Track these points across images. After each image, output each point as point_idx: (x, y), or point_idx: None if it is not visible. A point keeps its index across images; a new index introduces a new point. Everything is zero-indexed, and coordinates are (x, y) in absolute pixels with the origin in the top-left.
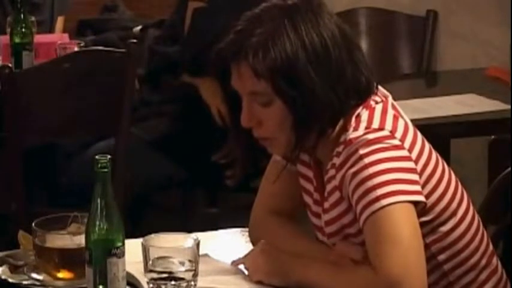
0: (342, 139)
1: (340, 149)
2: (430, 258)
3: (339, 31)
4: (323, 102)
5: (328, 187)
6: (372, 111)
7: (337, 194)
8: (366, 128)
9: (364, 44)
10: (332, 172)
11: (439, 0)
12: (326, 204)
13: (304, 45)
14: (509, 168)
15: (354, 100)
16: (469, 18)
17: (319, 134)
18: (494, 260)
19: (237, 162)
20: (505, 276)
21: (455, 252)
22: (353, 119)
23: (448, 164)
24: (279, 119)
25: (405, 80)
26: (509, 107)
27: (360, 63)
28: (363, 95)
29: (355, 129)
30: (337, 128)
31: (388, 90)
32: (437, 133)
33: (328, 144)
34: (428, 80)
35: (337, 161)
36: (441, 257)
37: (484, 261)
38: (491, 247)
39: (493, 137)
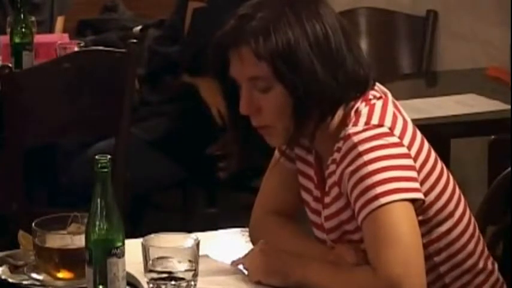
0: (342, 134)
1: (340, 144)
2: (426, 258)
3: (339, 24)
4: (323, 87)
5: (329, 182)
6: (372, 107)
7: (336, 190)
8: (366, 123)
9: (364, 44)
10: (333, 167)
11: (439, 0)
12: (327, 199)
13: (305, 30)
14: (509, 168)
15: (353, 90)
16: (469, 18)
17: (318, 121)
18: (490, 263)
19: (232, 156)
20: (501, 280)
21: (451, 253)
22: (352, 113)
23: (448, 164)
24: (279, 105)
25: (405, 80)
26: (509, 107)
27: (358, 56)
28: (361, 88)
29: (355, 124)
30: (337, 122)
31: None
32: (437, 133)
33: (328, 139)
34: (428, 80)
35: (337, 156)
36: (437, 259)
37: (481, 264)
38: (487, 251)
39: (493, 137)
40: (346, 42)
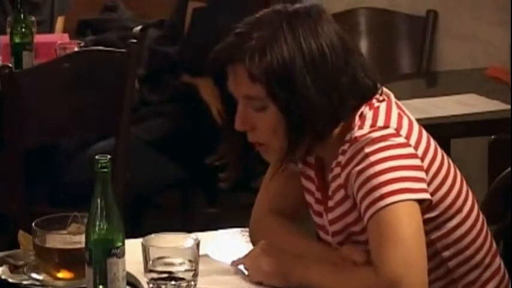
0: (347, 137)
1: (345, 147)
2: (434, 254)
3: (338, 39)
4: (317, 108)
5: (333, 185)
6: (376, 110)
7: (342, 192)
8: (371, 126)
9: (364, 44)
10: (337, 170)
11: (439, 0)
12: (330, 203)
13: (301, 51)
14: (509, 168)
15: (352, 103)
16: (469, 18)
17: (312, 139)
18: (498, 259)
19: (230, 166)
20: (507, 276)
21: (460, 249)
22: (357, 117)
23: None
24: (273, 124)
25: (405, 80)
26: (509, 107)
27: (360, 68)
28: (366, 97)
29: (361, 127)
30: (341, 127)
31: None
32: (437, 133)
33: (332, 142)
34: (428, 80)
35: (342, 159)
36: (446, 254)
37: (488, 260)
38: (494, 246)
39: (493, 137)
40: (345, 58)
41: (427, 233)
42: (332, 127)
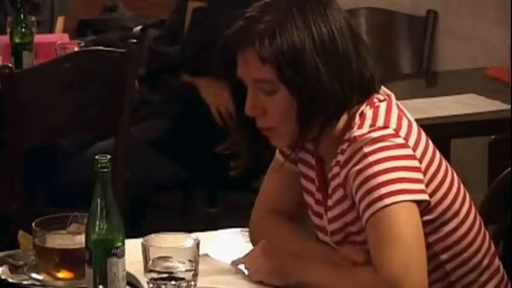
0: (346, 137)
1: (344, 146)
2: (432, 257)
3: (347, 25)
4: (328, 92)
5: (332, 184)
6: (376, 109)
7: (340, 192)
8: (371, 125)
9: None
10: (336, 169)
11: (439, 0)
12: (330, 202)
13: (311, 34)
14: (509, 168)
15: (357, 94)
16: (469, 18)
17: (322, 125)
18: (496, 261)
19: (240, 155)
20: (506, 277)
21: (457, 251)
22: (357, 116)
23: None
24: (283, 107)
25: (405, 80)
26: (509, 107)
27: (366, 58)
28: (366, 91)
29: (360, 127)
30: (341, 125)
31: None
32: (437, 133)
33: (332, 141)
34: (428, 80)
35: (341, 158)
36: (444, 257)
37: (486, 262)
38: (493, 248)
39: (493, 137)
40: (353, 45)
41: (425, 235)
42: (341, 113)
